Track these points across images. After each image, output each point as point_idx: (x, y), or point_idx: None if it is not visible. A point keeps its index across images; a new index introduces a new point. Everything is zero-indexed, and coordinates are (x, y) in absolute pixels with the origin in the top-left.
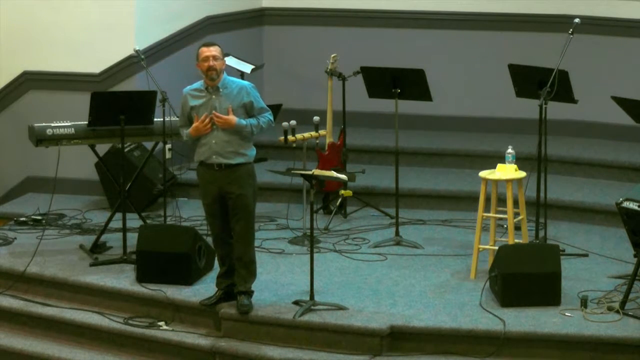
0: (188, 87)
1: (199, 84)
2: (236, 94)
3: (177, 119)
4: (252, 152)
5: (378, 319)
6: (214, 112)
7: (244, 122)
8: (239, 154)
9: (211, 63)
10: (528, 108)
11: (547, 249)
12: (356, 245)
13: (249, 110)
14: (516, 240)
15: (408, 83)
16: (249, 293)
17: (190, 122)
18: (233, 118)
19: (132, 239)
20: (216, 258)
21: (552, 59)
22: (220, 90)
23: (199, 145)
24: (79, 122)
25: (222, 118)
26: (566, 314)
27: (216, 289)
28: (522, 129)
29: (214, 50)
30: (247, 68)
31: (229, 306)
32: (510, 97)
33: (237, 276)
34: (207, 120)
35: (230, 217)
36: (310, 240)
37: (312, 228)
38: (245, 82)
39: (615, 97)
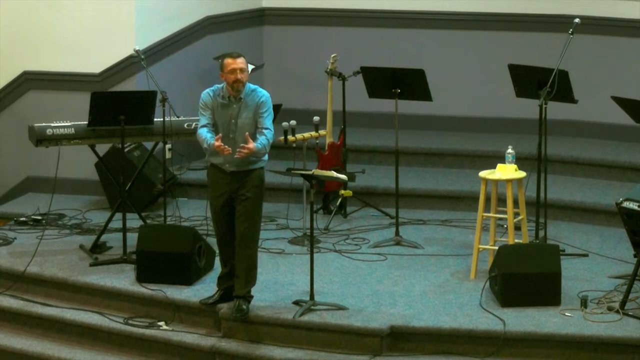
0: (209, 89)
1: (219, 88)
2: (256, 103)
3: (178, 119)
4: (265, 156)
5: (378, 319)
6: (239, 150)
7: (259, 146)
8: (251, 162)
9: (239, 76)
10: (528, 108)
11: (547, 249)
12: (356, 245)
13: (257, 117)
14: (516, 240)
15: (408, 83)
16: (247, 298)
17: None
18: (253, 146)
19: (132, 239)
20: (218, 259)
21: (552, 59)
22: (242, 99)
23: (212, 151)
24: (79, 122)
25: (246, 148)
26: (566, 314)
27: (217, 288)
28: (522, 129)
29: (240, 63)
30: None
31: (229, 306)
32: (510, 97)
33: (236, 279)
34: (227, 150)
35: (236, 219)
36: (310, 240)
37: (312, 228)
38: (264, 92)
39: (615, 97)
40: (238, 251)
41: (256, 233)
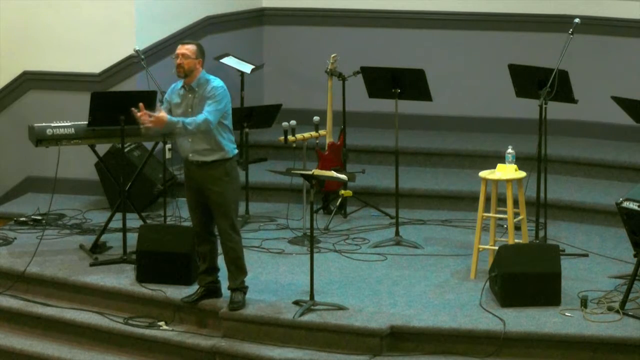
0: (174, 84)
1: (181, 82)
2: (208, 94)
3: None
4: (229, 147)
5: (378, 319)
6: (143, 109)
7: (174, 119)
8: (215, 152)
9: (178, 60)
10: (528, 108)
11: (547, 249)
12: (356, 245)
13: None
14: (516, 240)
15: (408, 83)
16: (242, 289)
17: None
18: (164, 116)
19: (132, 239)
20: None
21: (552, 59)
22: (196, 90)
23: (179, 144)
24: (79, 122)
25: (153, 116)
26: (566, 314)
27: (197, 286)
28: (522, 129)
29: (184, 48)
30: (247, 68)
31: (229, 306)
32: (510, 97)
33: (228, 273)
34: (141, 114)
35: (213, 213)
36: (310, 240)
37: (312, 228)
38: (216, 83)
39: (615, 97)
40: (222, 245)
41: (233, 224)
